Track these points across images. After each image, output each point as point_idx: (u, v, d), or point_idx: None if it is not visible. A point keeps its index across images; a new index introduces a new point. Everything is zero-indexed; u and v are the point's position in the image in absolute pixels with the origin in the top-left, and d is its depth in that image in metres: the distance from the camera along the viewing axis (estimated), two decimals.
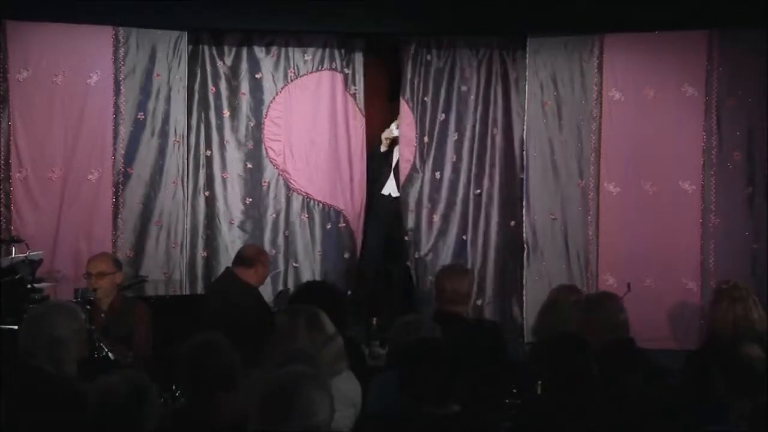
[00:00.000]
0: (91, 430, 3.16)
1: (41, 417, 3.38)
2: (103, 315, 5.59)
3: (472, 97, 8.01)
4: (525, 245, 7.72)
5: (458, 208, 8.01)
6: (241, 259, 6.43)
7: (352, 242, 8.02)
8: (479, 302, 7.73)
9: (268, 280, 7.72)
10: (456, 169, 8.02)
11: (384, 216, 8.18)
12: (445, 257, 7.90)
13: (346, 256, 8.01)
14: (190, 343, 3.62)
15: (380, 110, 8.43)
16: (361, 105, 8.02)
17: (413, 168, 7.99)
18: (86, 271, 5.79)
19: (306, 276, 7.85)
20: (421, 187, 8.00)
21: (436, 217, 8.01)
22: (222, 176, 7.92)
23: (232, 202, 7.92)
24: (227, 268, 6.66)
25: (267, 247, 7.84)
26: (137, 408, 3.13)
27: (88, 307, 5.23)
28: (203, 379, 3.52)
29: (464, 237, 8.00)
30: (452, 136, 8.03)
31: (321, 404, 2.92)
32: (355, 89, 8.02)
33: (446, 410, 3.61)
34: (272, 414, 2.88)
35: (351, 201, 8.01)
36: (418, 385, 3.62)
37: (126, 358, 5.28)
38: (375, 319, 6.88)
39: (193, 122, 7.87)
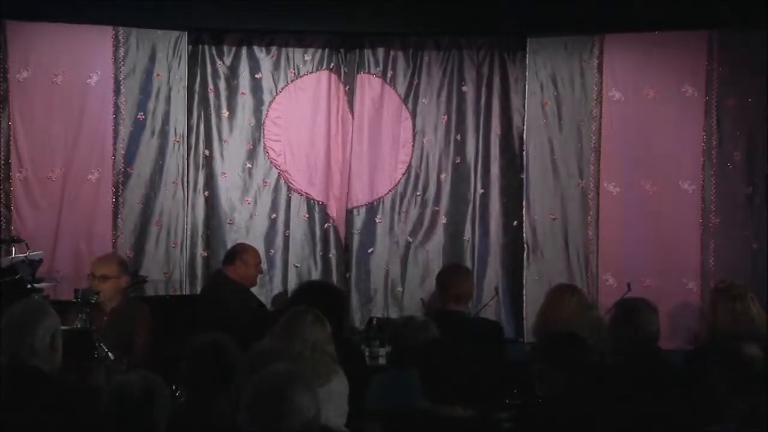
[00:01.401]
0: (104, 430, 3.16)
1: (42, 417, 3.38)
2: (105, 318, 5.54)
3: (473, 97, 8.02)
4: (525, 245, 7.73)
5: (463, 209, 8.02)
6: (225, 256, 6.44)
7: (338, 242, 8.01)
8: (492, 302, 7.73)
9: (267, 280, 7.76)
10: (458, 171, 8.03)
11: None
12: (451, 258, 7.89)
13: (330, 256, 8.00)
14: (193, 343, 3.62)
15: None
16: (354, 106, 8.01)
17: (408, 169, 8.01)
18: (90, 271, 5.72)
19: (306, 276, 7.84)
20: (425, 189, 8.02)
21: (443, 219, 8.02)
22: (222, 176, 7.92)
23: (232, 202, 7.91)
24: (217, 268, 6.67)
25: (267, 247, 7.84)
26: (150, 408, 3.13)
27: (88, 309, 5.16)
28: (207, 379, 3.52)
29: (468, 238, 8.00)
30: (454, 138, 8.03)
31: (310, 402, 2.91)
32: (354, 89, 8.02)
33: (465, 412, 3.61)
34: (264, 415, 2.86)
35: (341, 200, 8.00)
36: (445, 386, 3.61)
37: (121, 364, 5.21)
38: (375, 319, 6.89)
39: (193, 122, 7.87)
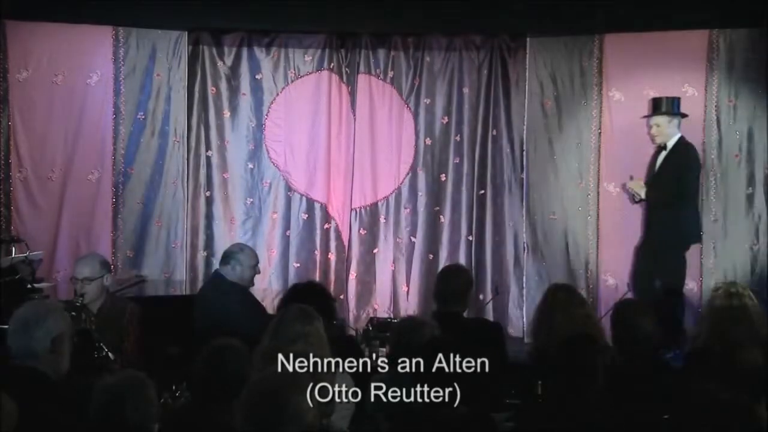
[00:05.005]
0: (92, 430, 3.16)
1: (40, 418, 3.37)
2: (93, 318, 5.49)
3: (473, 98, 8.03)
4: (525, 245, 7.73)
5: (463, 209, 8.03)
6: (222, 256, 6.41)
7: (339, 242, 8.01)
8: (492, 302, 7.74)
9: (267, 280, 7.75)
10: (459, 171, 8.04)
11: None
12: (452, 257, 7.90)
13: (330, 256, 8.00)
14: (208, 349, 3.61)
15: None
16: (355, 106, 8.01)
17: (412, 169, 8.01)
18: (72, 275, 5.66)
19: (306, 276, 7.84)
20: (425, 189, 8.03)
21: (443, 219, 8.03)
22: (223, 176, 7.93)
23: (233, 202, 7.93)
24: (215, 269, 6.65)
25: (267, 247, 7.86)
26: (133, 408, 3.12)
27: (73, 313, 5.07)
28: (220, 385, 3.50)
29: (470, 237, 8.01)
30: (454, 138, 8.04)
31: (307, 407, 2.90)
32: (355, 89, 8.02)
33: (457, 410, 3.61)
34: (261, 420, 2.85)
35: (342, 200, 8.01)
36: (444, 386, 3.61)
37: (115, 364, 5.14)
38: (375, 319, 6.89)
39: (194, 122, 7.88)
